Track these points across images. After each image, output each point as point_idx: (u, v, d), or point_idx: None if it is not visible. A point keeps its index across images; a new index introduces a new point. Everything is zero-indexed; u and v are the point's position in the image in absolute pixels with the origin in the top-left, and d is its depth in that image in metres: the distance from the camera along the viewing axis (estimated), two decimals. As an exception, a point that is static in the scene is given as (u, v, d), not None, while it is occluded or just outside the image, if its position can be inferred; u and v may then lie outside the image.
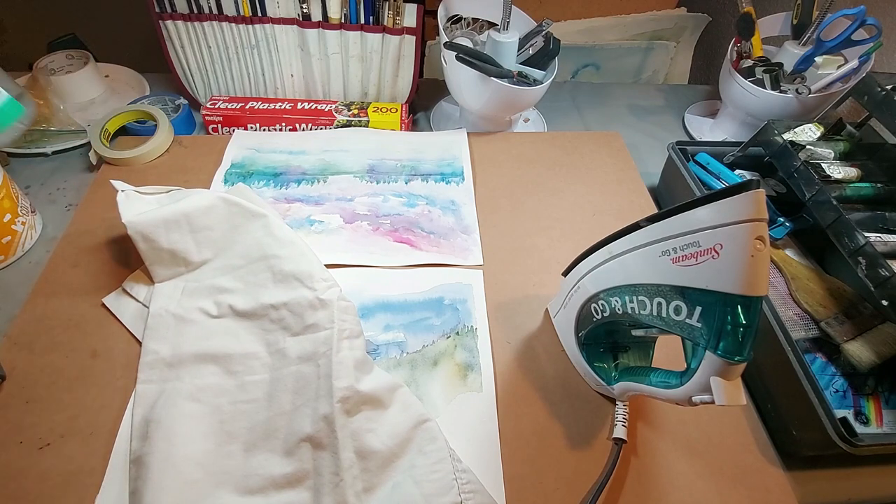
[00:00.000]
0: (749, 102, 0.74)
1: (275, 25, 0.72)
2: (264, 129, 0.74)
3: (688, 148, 0.67)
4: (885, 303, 0.45)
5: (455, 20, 0.78)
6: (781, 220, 0.61)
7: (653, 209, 0.68)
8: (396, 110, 0.76)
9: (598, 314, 0.44)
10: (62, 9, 1.06)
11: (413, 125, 0.82)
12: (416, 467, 0.42)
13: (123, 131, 0.72)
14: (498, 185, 0.69)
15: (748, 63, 0.74)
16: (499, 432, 0.46)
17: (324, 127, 0.75)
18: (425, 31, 0.75)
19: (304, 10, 0.71)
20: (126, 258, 0.57)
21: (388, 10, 0.71)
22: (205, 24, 0.72)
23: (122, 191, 0.53)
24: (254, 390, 0.46)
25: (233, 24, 0.72)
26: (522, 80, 0.69)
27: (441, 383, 0.49)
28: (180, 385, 0.46)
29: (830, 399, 0.47)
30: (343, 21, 0.72)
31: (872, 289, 0.46)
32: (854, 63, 0.68)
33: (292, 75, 0.78)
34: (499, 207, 0.66)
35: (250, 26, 0.72)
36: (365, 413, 0.43)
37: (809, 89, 0.69)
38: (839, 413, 0.46)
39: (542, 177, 0.71)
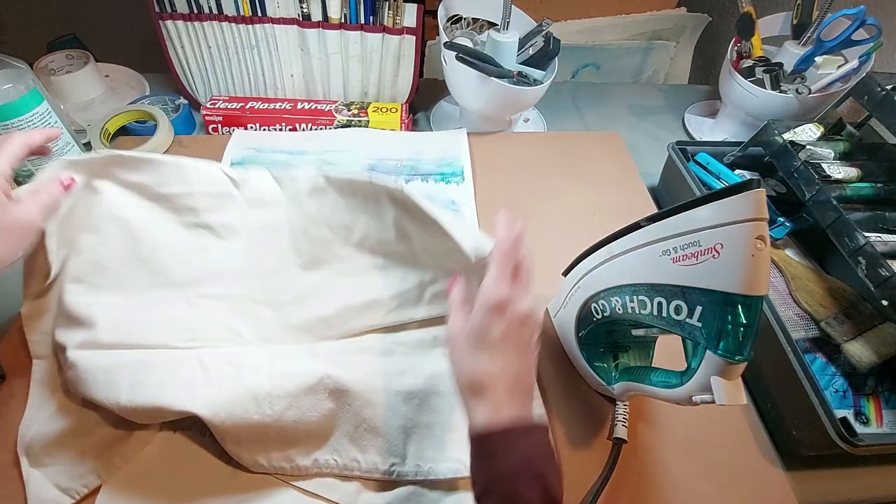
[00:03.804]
0: (749, 102, 0.74)
1: (275, 25, 0.72)
2: (264, 129, 0.74)
3: (688, 148, 0.67)
4: (885, 303, 0.45)
5: (455, 20, 0.78)
6: (781, 220, 0.61)
7: (653, 209, 0.68)
8: (396, 110, 0.76)
9: (598, 314, 0.44)
10: (62, 9, 1.06)
11: (413, 125, 0.82)
12: None
13: (123, 131, 0.72)
14: (498, 185, 0.69)
15: (748, 63, 0.74)
16: (499, 432, 0.46)
17: (324, 127, 0.74)
18: (425, 31, 0.75)
19: (304, 10, 0.71)
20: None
21: (388, 10, 0.71)
22: (205, 24, 0.72)
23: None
24: None
25: (233, 24, 0.72)
26: (522, 80, 0.69)
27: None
28: None
29: (830, 399, 0.47)
30: (343, 21, 0.72)
31: (872, 289, 0.46)
32: (854, 63, 0.68)
33: (292, 75, 0.78)
34: (499, 207, 0.65)
35: (250, 26, 0.72)
36: None
37: (809, 89, 0.69)
38: (839, 413, 0.45)
39: (542, 177, 0.71)
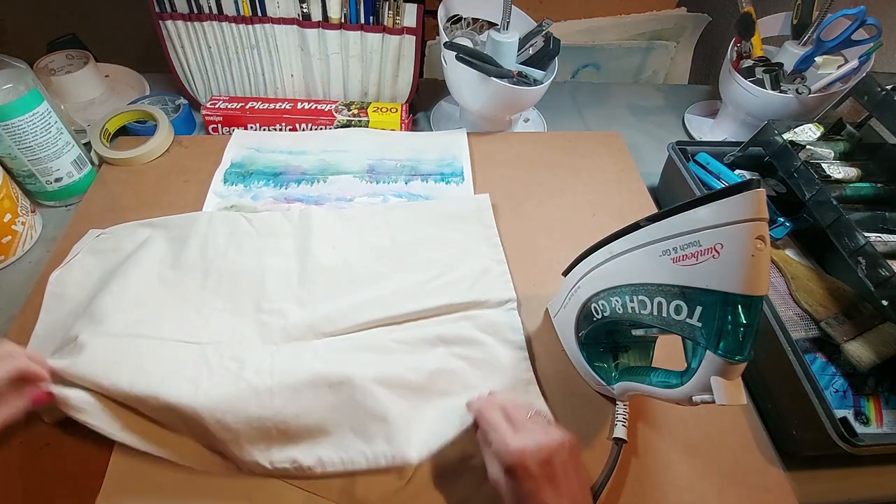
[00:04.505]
0: (749, 102, 0.74)
1: (275, 25, 0.72)
2: (264, 129, 0.74)
3: (688, 148, 0.67)
4: (885, 303, 0.45)
5: (455, 20, 0.78)
6: (781, 220, 0.61)
7: (653, 209, 0.68)
8: (396, 110, 0.76)
9: (598, 314, 0.44)
10: (62, 9, 1.06)
11: (413, 125, 0.82)
12: None
13: (123, 131, 0.72)
14: (498, 185, 0.69)
15: (748, 63, 0.74)
16: (499, 432, 0.46)
17: (324, 127, 0.74)
18: (425, 31, 0.75)
19: (304, 10, 0.71)
20: (126, 258, 0.57)
21: (388, 10, 0.71)
22: (205, 23, 0.72)
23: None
24: None
25: (233, 24, 0.72)
26: (522, 80, 0.69)
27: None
28: None
29: (830, 399, 0.47)
30: (343, 21, 0.72)
31: (872, 289, 0.46)
32: (854, 63, 0.68)
33: (292, 75, 0.78)
34: (499, 207, 0.66)
35: (250, 26, 0.72)
36: None
37: (809, 89, 0.69)
38: (839, 413, 0.45)
39: (542, 177, 0.71)
